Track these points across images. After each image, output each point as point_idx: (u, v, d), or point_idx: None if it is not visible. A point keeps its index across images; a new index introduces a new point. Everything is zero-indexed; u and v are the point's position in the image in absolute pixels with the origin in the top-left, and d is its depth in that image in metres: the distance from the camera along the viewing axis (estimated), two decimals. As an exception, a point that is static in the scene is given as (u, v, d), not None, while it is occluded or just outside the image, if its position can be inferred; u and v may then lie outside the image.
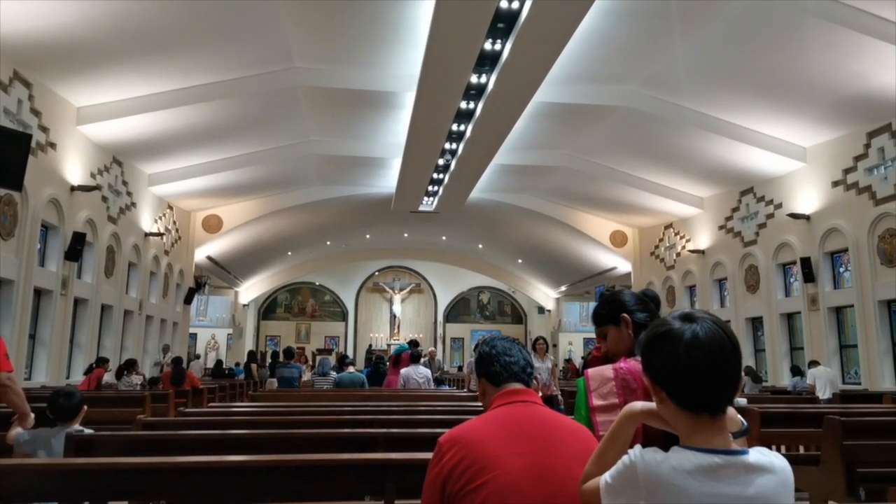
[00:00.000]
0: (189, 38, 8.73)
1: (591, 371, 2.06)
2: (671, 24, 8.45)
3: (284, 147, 13.04)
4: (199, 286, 17.30)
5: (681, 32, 8.66)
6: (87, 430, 3.59)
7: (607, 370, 2.03)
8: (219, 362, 18.07)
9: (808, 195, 11.86)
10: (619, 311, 2.02)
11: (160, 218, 14.06)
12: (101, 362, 10.11)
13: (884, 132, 10.15)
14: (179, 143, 11.78)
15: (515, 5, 7.43)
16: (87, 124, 10.15)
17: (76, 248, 10.12)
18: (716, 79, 9.82)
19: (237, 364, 19.96)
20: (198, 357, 20.05)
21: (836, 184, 11.18)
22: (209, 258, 17.56)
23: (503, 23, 7.84)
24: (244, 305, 24.25)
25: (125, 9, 7.72)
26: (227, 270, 19.96)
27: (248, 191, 15.25)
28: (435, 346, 27.08)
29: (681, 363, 1.22)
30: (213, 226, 16.08)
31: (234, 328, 22.84)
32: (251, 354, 16.74)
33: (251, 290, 24.33)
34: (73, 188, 10.16)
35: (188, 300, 16.13)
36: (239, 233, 16.82)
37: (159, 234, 13.83)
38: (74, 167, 10.20)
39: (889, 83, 8.93)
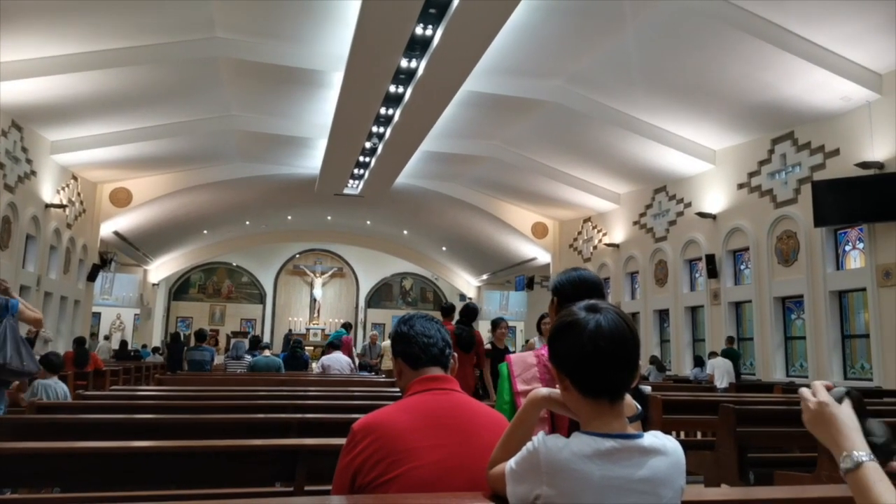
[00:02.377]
0: (101, -3, 8.16)
1: (513, 357, 2.10)
2: (598, 22, 8.68)
3: (203, 120, 12.48)
4: (104, 263, 16.35)
5: (607, 32, 8.91)
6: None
7: (529, 356, 2.08)
8: (124, 343, 17.20)
9: (715, 196, 12.53)
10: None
11: (63, 189, 13.17)
12: None
13: (787, 139, 10.85)
14: (88, 110, 11.04)
15: (448, -9, 7.41)
16: (-18, 83, 9.34)
17: (-34, 217, 9.34)
18: (636, 79, 10.16)
19: (144, 346, 19.08)
20: (107, 338, 18.98)
21: (741, 186, 11.87)
22: (116, 234, 16.63)
23: (435, 8, 7.79)
24: (154, 285, 23.14)
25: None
26: (136, 247, 18.96)
27: (161, 164, 14.51)
28: (356, 330, 26.88)
29: (585, 351, 1.27)
30: (121, 199, 15.21)
31: (141, 308, 21.77)
32: (176, 336, 15.98)
33: (162, 268, 23.24)
34: (-37, 152, 9.35)
35: (92, 277, 15.22)
36: (150, 208, 15.99)
37: (62, 206, 12.95)
38: (-34, 129, 9.38)
39: (794, 94, 9.55)
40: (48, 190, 12.42)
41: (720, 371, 10.60)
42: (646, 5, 8.24)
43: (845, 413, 1.19)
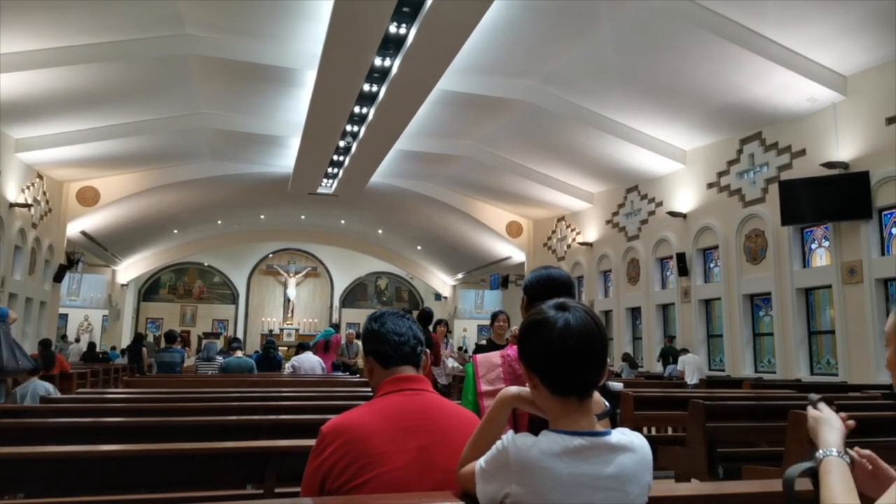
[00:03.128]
0: (66, -8, 7.98)
1: (479, 357, 2.10)
2: (572, 23, 8.74)
3: (172, 118, 12.27)
4: (71, 263, 15.99)
5: (580, 32, 8.98)
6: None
7: (495, 356, 2.08)
8: (91, 345, 16.85)
9: (685, 195, 12.72)
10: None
11: (28, 188, 12.85)
12: None
13: (755, 140, 11.05)
14: (53, 107, 10.78)
15: (421, -10, 7.39)
16: (-58, 79, 9.07)
17: (-75, 217, 9.05)
18: (610, 80, 10.26)
19: (113, 348, 18.72)
20: (77, 340, 18.57)
21: (710, 185, 12.06)
22: (84, 233, 16.28)
23: (408, 7, 7.77)
24: (123, 285, 22.71)
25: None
26: (104, 247, 18.58)
27: (130, 163, 14.24)
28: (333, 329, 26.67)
29: (554, 349, 1.28)
30: (88, 199, 14.89)
31: (110, 309, 21.35)
32: (139, 336, 15.71)
33: (131, 269, 22.81)
34: (-78, 149, 9.06)
35: (58, 278, 14.88)
36: (118, 207, 15.68)
37: (26, 206, 12.63)
38: (-76, 126, 9.09)
39: (762, 95, 9.74)
40: (12, 189, 12.11)
41: (691, 367, 10.77)
42: (619, 6, 8.32)
43: (826, 417, 1.37)
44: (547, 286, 2.01)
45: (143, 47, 9.41)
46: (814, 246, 10.32)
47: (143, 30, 9.15)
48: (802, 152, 10.12)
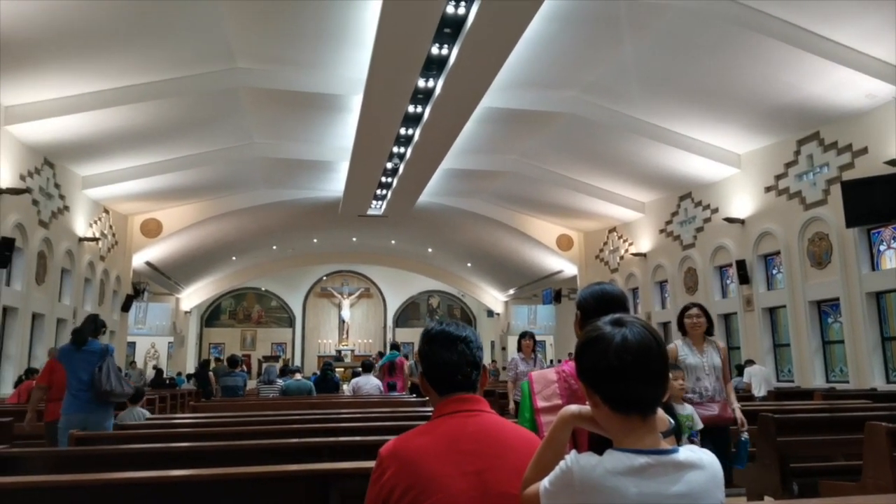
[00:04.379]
0: (126, 35, 8.41)
1: (534, 374, 2.08)
2: (612, 31, 8.67)
3: (227, 149, 12.73)
4: (137, 293, 16.69)
5: (621, 40, 8.89)
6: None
7: (550, 373, 2.06)
8: (159, 371, 17.47)
9: (742, 200, 12.34)
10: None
11: (95, 222, 13.51)
12: (31, 373, 9.60)
13: (812, 140, 10.66)
14: (116, 145, 11.35)
15: (462, 10, 7.48)
16: (17, 124, 9.66)
17: (5, 254, 9.60)
18: (655, 87, 10.11)
19: (179, 374, 19.33)
20: (156, 369, 19.24)
21: (768, 189, 11.67)
22: (148, 264, 16.97)
23: (449, 28, 7.87)
24: (186, 312, 23.53)
25: (59, 5, 7.40)
26: (168, 276, 19.32)
27: (189, 194, 14.81)
28: (385, 350, 26.88)
29: (612, 365, 1.26)
30: (151, 230, 15.55)
31: (175, 336, 22.11)
32: (206, 362, 16.20)
33: (193, 296, 23.63)
34: (0, 191, 9.65)
35: (126, 307, 15.54)
36: (180, 237, 16.31)
37: (94, 239, 13.28)
38: (2, 169, 9.68)
39: (818, 93, 9.40)
40: (81, 224, 12.75)
41: (757, 379, 10.35)
42: (660, 13, 8.21)
43: None
44: (601, 301, 1.99)
45: (197, 83, 9.82)
46: (882, 247, 9.84)
47: (197, 66, 9.56)
48: (864, 150, 9.70)
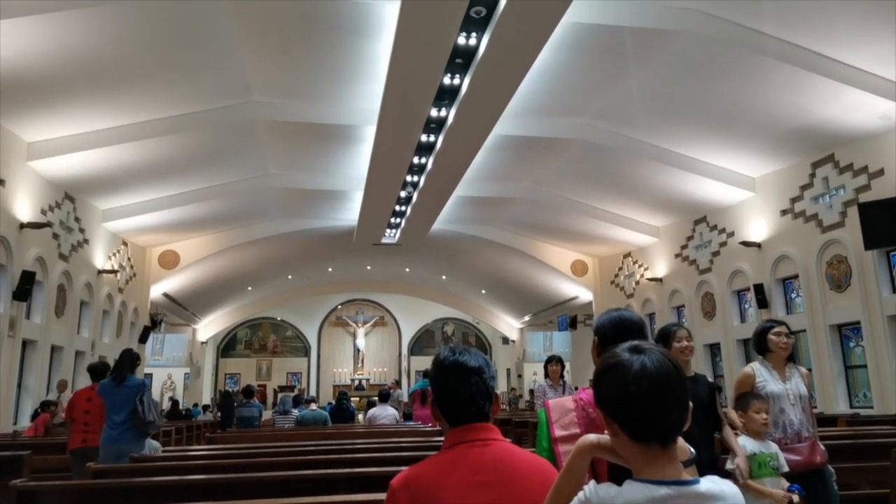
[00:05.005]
0: (144, 71, 8.63)
1: (551, 402, 2.05)
2: (622, 59, 8.75)
3: (243, 181, 12.91)
4: (154, 324, 16.81)
5: (632, 67, 8.96)
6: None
7: (567, 401, 2.03)
8: (175, 403, 17.49)
9: (758, 223, 12.25)
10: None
11: (114, 255, 13.70)
12: (46, 406, 9.54)
13: (827, 162, 10.60)
14: (134, 178, 11.56)
15: (473, 41, 7.60)
16: (39, 160, 9.90)
17: (25, 288, 9.75)
18: (666, 111, 10.15)
19: (195, 405, 19.33)
20: (175, 402, 19.27)
21: (784, 212, 11.59)
22: (165, 295, 17.12)
23: (461, 58, 7.99)
24: (202, 343, 23.63)
25: (79, 42, 7.61)
26: (185, 307, 19.46)
27: (206, 225, 15.00)
28: (400, 379, 26.77)
29: (631, 393, 1.24)
30: (169, 262, 15.73)
31: (191, 367, 22.18)
32: (228, 394, 16.14)
33: (210, 326, 23.75)
34: (22, 225, 9.84)
35: (143, 339, 15.64)
36: (197, 268, 16.47)
37: (113, 272, 13.45)
38: (24, 204, 9.90)
39: (831, 116, 9.39)
40: (100, 256, 12.93)
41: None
42: (670, 39, 8.28)
43: None
44: (618, 328, 1.98)
45: (214, 116, 10.02)
46: (903, 269, 9.69)
47: (215, 100, 9.76)
48: (880, 172, 9.63)
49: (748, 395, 3.59)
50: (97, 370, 6.29)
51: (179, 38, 8.03)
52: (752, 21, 7.86)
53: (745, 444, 3.38)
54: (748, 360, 12.98)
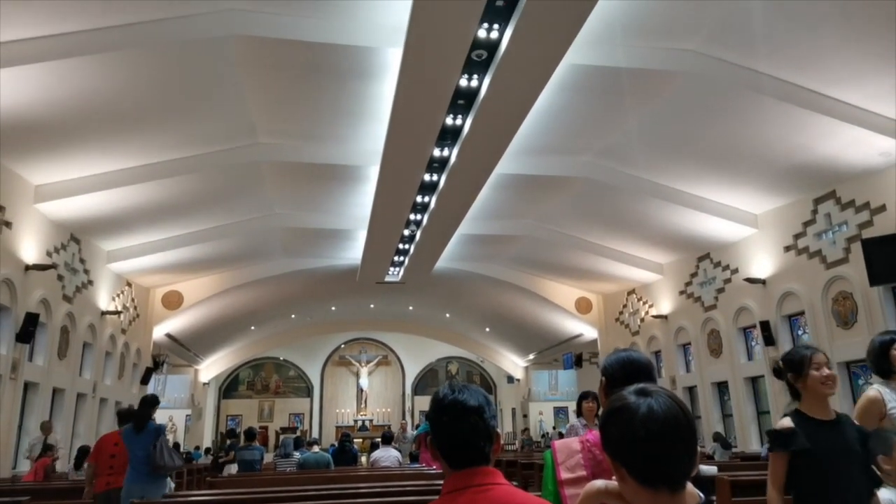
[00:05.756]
0: (150, 114, 8.77)
1: (557, 443, 2.01)
2: (622, 99, 8.87)
3: (247, 221, 12.99)
4: (157, 365, 16.70)
5: (632, 106, 9.08)
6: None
7: (574, 442, 2.00)
8: (176, 445, 17.24)
9: (762, 260, 12.23)
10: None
11: (118, 296, 13.70)
12: (46, 450, 9.36)
13: (829, 199, 10.64)
14: (139, 219, 11.64)
15: (475, 83, 7.72)
16: (45, 202, 9.99)
17: (28, 330, 9.73)
18: (668, 149, 10.24)
19: (196, 448, 19.07)
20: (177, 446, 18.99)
21: (787, 248, 11.58)
22: (168, 335, 17.05)
23: (463, 99, 8.11)
24: (204, 384, 23.41)
25: (86, 87, 7.76)
26: (188, 348, 19.36)
27: (210, 265, 15.03)
28: (403, 419, 26.40)
29: (638, 437, 1.22)
30: (173, 302, 15.71)
31: (193, 408, 21.94)
32: (233, 432, 15.87)
33: (212, 367, 23.57)
34: (27, 267, 9.88)
35: (145, 380, 15.52)
36: (200, 308, 16.44)
37: (117, 313, 13.43)
38: (30, 246, 9.96)
39: (830, 153, 9.46)
40: (104, 297, 12.93)
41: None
42: (669, 79, 8.41)
43: None
44: (626, 368, 1.96)
45: (220, 158, 10.13)
46: (910, 305, 9.62)
47: (220, 142, 9.89)
48: (882, 208, 9.65)
49: (890, 432, 2.68)
50: (124, 416, 6.75)
51: (185, 82, 8.18)
52: (749, 61, 7.99)
53: (891, 498, 2.50)
54: (757, 397, 12.81)
